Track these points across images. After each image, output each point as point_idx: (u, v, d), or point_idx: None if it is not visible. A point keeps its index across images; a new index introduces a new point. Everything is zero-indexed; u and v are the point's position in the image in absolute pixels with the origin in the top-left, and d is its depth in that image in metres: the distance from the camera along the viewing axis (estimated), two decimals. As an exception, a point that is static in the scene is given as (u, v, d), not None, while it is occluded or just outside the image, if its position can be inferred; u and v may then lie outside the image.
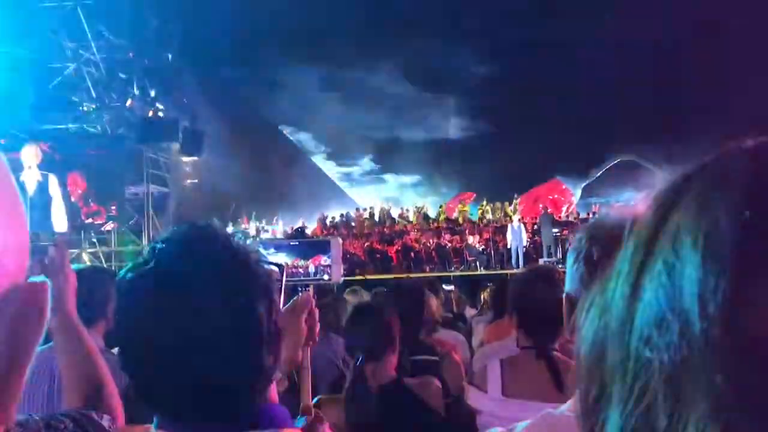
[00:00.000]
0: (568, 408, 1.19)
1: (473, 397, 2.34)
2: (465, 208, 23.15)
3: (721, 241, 0.39)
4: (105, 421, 1.53)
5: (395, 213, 23.88)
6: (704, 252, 0.39)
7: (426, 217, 23.24)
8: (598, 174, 32.99)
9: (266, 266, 1.12)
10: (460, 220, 22.48)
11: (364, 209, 24.29)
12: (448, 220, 22.82)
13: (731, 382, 0.37)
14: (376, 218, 23.27)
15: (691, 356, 0.38)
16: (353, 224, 23.34)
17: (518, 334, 2.57)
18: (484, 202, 22.95)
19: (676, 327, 0.39)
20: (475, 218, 22.58)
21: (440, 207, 24.31)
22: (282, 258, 2.30)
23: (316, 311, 1.57)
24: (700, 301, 0.38)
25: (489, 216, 22.03)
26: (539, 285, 2.45)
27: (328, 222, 23.45)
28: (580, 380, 0.47)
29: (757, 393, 0.36)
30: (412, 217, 23.29)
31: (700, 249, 0.39)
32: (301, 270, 2.36)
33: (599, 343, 0.45)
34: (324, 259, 2.39)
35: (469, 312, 7.83)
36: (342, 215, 24.35)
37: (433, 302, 4.37)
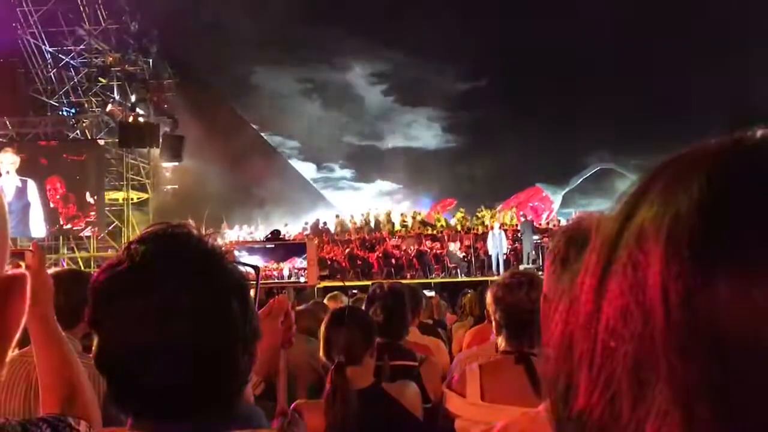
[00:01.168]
0: (543, 408, 1.20)
1: (452, 402, 2.34)
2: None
3: (683, 232, 0.40)
4: (82, 427, 1.52)
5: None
6: (666, 243, 0.40)
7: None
8: (579, 182, 33.20)
9: (241, 267, 1.11)
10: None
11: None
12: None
13: (692, 370, 0.37)
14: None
15: (653, 346, 0.39)
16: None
17: (497, 339, 2.57)
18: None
19: (639, 317, 0.40)
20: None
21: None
22: (256, 260, 2.29)
23: (292, 314, 1.57)
24: (663, 290, 0.39)
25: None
26: (519, 290, 2.46)
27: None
28: (548, 373, 0.48)
29: (718, 380, 0.37)
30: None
31: (662, 240, 0.40)
32: (275, 272, 2.35)
33: (567, 336, 0.46)
34: (299, 261, 2.38)
35: (450, 318, 7.86)
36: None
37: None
